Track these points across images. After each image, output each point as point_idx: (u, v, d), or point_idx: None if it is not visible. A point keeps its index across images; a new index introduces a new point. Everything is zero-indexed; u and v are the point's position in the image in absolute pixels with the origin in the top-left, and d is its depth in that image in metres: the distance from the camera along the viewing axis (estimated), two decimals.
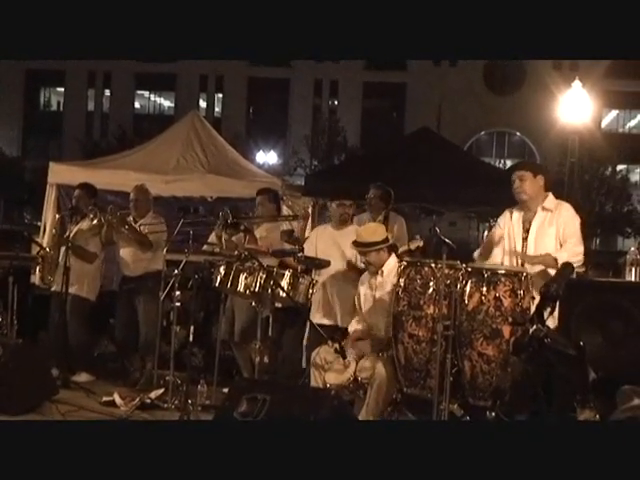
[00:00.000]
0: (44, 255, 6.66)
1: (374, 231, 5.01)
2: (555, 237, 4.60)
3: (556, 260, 4.41)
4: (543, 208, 4.67)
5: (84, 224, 6.46)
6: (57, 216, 7.35)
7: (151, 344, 6.09)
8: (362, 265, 5.23)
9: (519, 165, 5.08)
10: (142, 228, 6.35)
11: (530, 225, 4.68)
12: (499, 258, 4.75)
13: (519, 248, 4.66)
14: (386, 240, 4.94)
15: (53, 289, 6.48)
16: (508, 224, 4.77)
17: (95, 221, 6.27)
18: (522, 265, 4.56)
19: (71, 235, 6.37)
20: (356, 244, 4.99)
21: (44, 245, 7.08)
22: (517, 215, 4.76)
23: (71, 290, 6.26)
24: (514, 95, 36.46)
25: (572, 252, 4.50)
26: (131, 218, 6.44)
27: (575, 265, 4.42)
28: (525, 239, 4.67)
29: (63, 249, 6.36)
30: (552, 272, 4.31)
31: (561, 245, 4.58)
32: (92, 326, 6.67)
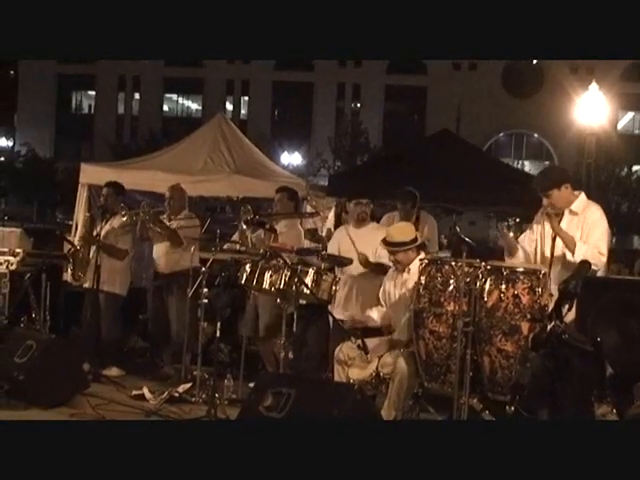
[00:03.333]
0: (75, 253, 6.78)
1: (403, 231, 5.11)
2: (580, 241, 4.58)
3: (575, 246, 4.45)
4: (570, 211, 4.65)
5: (114, 222, 6.58)
6: (87, 214, 7.50)
7: (183, 340, 6.21)
8: (385, 261, 5.33)
9: (541, 186, 4.73)
10: (176, 226, 6.48)
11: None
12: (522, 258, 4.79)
13: (548, 249, 4.67)
14: (415, 240, 5.03)
15: (85, 286, 6.62)
16: (541, 225, 4.78)
17: (125, 218, 6.41)
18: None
19: (102, 233, 6.49)
20: (386, 243, 5.08)
21: (76, 243, 7.24)
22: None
23: (103, 287, 6.41)
24: (532, 97, 36.47)
25: (592, 253, 4.47)
26: (165, 216, 6.56)
27: (592, 267, 4.43)
28: (554, 239, 4.67)
29: (94, 247, 6.50)
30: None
31: None
32: (123, 322, 6.83)
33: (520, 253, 4.78)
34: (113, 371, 6.40)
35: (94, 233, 6.61)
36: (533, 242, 4.78)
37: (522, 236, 4.93)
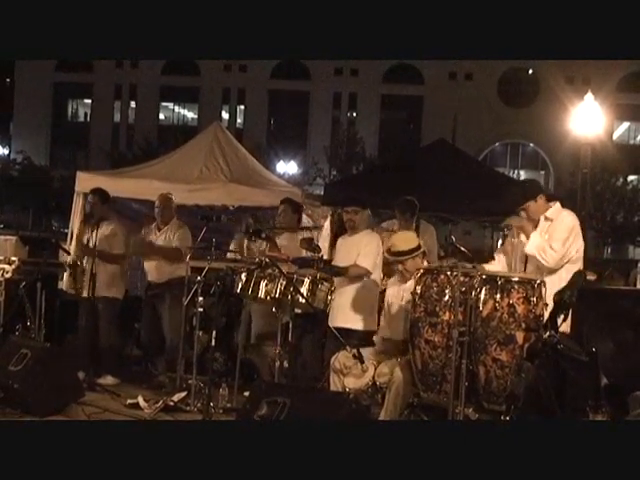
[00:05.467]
0: (75, 266, 6.76)
1: (407, 239, 5.14)
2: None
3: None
4: (545, 218, 4.76)
5: (103, 229, 6.55)
6: (82, 223, 7.50)
7: (176, 349, 6.22)
8: (361, 263, 5.35)
9: (519, 199, 4.86)
10: (167, 235, 6.52)
11: None
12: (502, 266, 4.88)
13: (521, 268, 4.76)
14: (419, 247, 5.07)
15: (84, 295, 6.57)
16: (514, 245, 4.88)
17: (112, 225, 6.47)
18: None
19: (97, 243, 6.49)
20: (392, 253, 5.11)
21: (71, 252, 7.24)
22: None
23: (101, 293, 6.42)
24: (528, 107, 36.84)
25: (543, 246, 4.56)
26: (154, 225, 6.61)
27: (538, 260, 4.53)
28: (525, 262, 4.74)
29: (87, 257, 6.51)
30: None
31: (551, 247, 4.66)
32: (119, 330, 6.82)
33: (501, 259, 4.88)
34: (108, 379, 6.41)
35: (87, 242, 6.59)
36: (509, 259, 4.87)
37: (500, 247, 4.97)
